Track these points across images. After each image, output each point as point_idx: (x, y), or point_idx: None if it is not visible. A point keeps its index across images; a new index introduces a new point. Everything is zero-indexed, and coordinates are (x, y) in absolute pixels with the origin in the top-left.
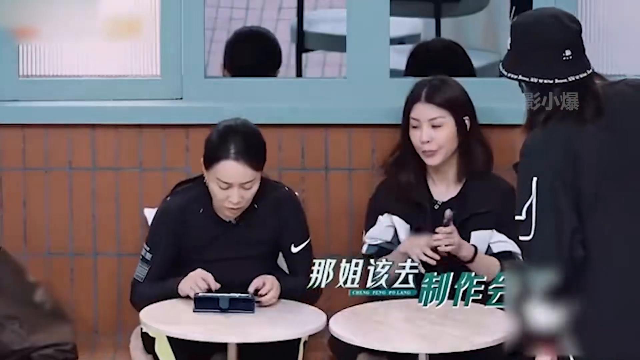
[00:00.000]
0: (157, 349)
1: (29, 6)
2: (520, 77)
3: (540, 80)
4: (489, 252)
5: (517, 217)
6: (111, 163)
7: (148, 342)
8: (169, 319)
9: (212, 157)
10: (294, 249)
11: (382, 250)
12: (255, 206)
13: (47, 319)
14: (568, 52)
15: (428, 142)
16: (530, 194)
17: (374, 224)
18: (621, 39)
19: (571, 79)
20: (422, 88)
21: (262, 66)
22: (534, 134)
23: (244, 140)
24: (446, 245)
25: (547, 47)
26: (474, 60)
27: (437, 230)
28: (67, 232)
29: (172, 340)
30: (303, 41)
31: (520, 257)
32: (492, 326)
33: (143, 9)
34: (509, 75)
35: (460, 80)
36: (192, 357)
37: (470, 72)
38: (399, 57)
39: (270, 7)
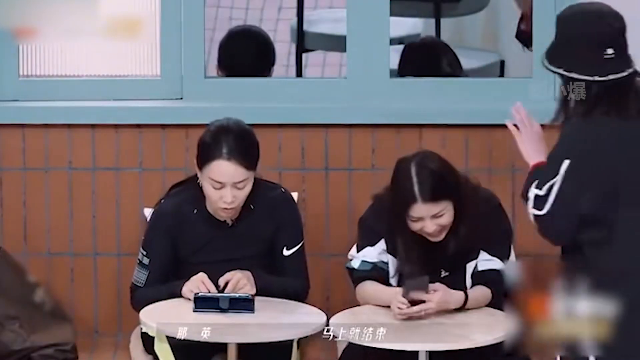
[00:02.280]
0: (156, 349)
1: (29, 6)
2: (561, 71)
3: (581, 76)
4: (475, 270)
5: (536, 191)
6: (111, 163)
7: (148, 342)
8: (169, 319)
9: (204, 157)
10: (286, 252)
11: (375, 270)
12: (252, 207)
13: (47, 319)
14: (610, 51)
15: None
16: (557, 174)
17: (372, 244)
18: None
19: (611, 77)
20: (412, 185)
21: (254, 65)
22: (579, 121)
23: (236, 140)
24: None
25: (590, 44)
26: (474, 60)
27: (400, 302)
28: (67, 232)
29: (171, 341)
30: (303, 41)
31: (503, 274)
32: (492, 325)
33: (143, 9)
34: (550, 67)
35: (460, 80)
36: (192, 357)
37: (458, 68)
38: (399, 56)
39: (270, 7)
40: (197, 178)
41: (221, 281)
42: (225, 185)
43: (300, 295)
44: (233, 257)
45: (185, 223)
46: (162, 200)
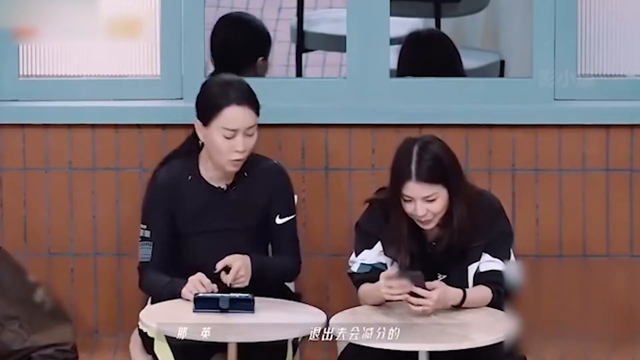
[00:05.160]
0: (156, 350)
1: (29, 6)
2: None
3: None
4: (476, 271)
5: None
6: (111, 163)
7: (147, 342)
8: (169, 319)
9: (213, 107)
10: (279, 220)
11: (375, 271)
12: (245, 174)
13: (47, 319)
14: None
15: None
16: None
17: (369, 247)
18: (621, 39)
19: None
20: (410, 163)
21: (245, 52)
22: None
23: (242, 86)
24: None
25: None
26: (474, 61)
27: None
28: (67, 232)
29: (171, 341)
30: (303, 41)
31: (504, 275)
32: (492, 325)
33: (143, 9)
34: None
35: (460, 80)
36: (192, 357)
37: (458, 60)
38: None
39: (270, 7)
40: (190, 144)
41: (219, 265)
42: (238, 133)
43: (292, 273)
44: (229, 227)
45: (180, 190)
46: (157, 172)
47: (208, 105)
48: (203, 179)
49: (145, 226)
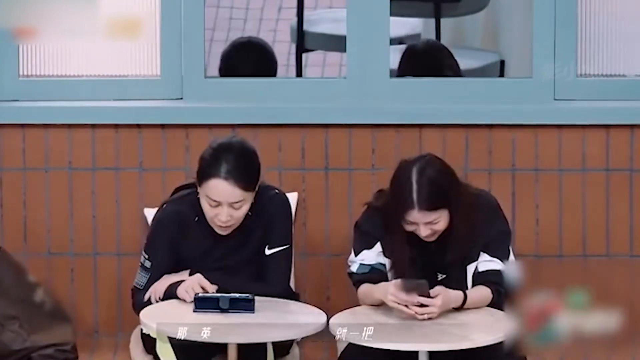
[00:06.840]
0: (158, 351)
1: (29, 6)
2: None
3: None
4: (475, 271)
5: None
6: (111, 163)
7: (148, 342)
8: (169, 320)
9: (203, 174)
10: (267, 251)
11: (374, 272)
12: (250, 214)
13: (47, 319)
14: None
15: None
16: None
17: (368, 247)
18: (621, 39)
19: None
20: (411, 192)
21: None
22: None
23: (236, 160)
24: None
25: None
26: (474, 60)
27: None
28: (67, 232)
29: (173, 341)
30: (303, 41)
31: (504, 274)
32: (492, 325)
33: (143, 9)
34: None
35: (460, 80)
36: (192, 357)
37: (457, 69)
38: (399, 57)
39: (270, 7)
40: None
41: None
42: (222, 204)
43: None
44: (229, 265)
45: (186, 229)
46: (165, 205)
47: (200, 170)
48: (208, 223)
49: (147, 255)
